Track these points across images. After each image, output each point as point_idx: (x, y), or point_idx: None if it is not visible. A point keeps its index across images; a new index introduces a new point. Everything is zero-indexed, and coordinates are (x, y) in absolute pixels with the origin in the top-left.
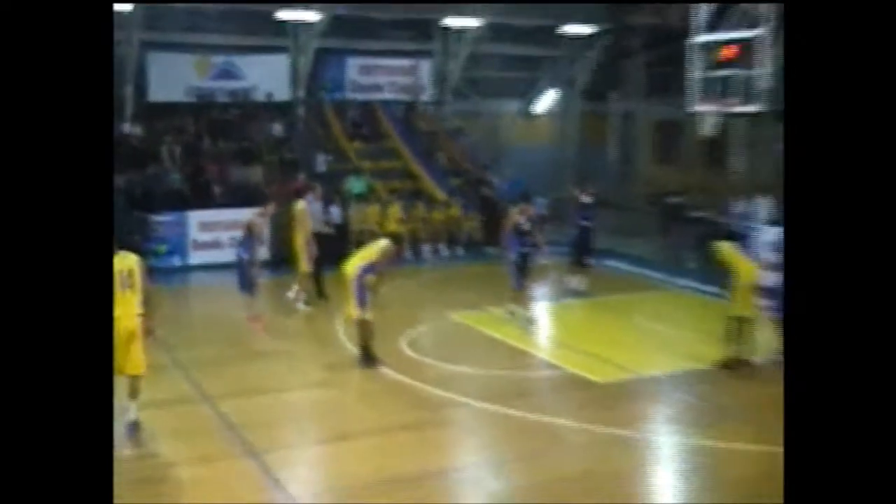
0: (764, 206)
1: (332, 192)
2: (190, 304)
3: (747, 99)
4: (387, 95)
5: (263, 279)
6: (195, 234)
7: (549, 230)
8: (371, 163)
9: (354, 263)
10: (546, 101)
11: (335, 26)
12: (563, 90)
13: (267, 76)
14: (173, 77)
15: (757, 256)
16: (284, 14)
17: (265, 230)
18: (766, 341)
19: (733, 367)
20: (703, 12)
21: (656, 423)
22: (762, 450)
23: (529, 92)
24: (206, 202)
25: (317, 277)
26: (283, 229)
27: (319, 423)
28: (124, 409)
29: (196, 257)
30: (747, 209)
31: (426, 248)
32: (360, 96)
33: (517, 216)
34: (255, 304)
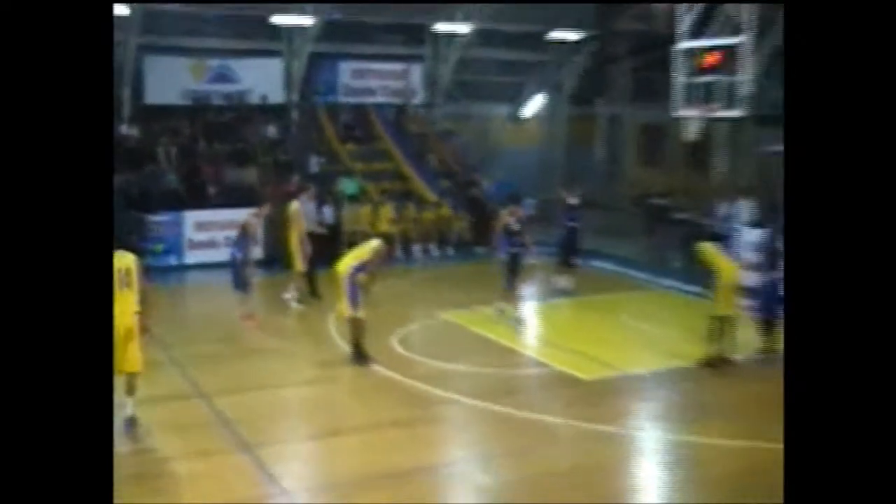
0: (746, 208)
1: (325, 193)
2: (186, 302)
3: (730, 104)
4: (379, 99)
5: (257, 278)
6: (191, 233)
7: (536, 231)
8: (363, 164)
9: (347, 263)
10: (534, 104)
11: (328, 31)
12: (551, 94)
13: (261, 79)
14: (169, 80)
15: (738, 257)
16: (279, 19)
17: (259, 230)
18: (747, 340)
19: (716, 365)
20: (687, 19)
21: (641, 420)
22: (744, 445)
23: (518, 96)
24: (202, 202)
25: (310, 276)
26: (276, 229)
27: (312, 418)
28: (122, 406)
29: (192, 256)
30: (730, 211)
31: (417, 248)
32: (352, 99)
33: (507, 217)
34: (249, 303)
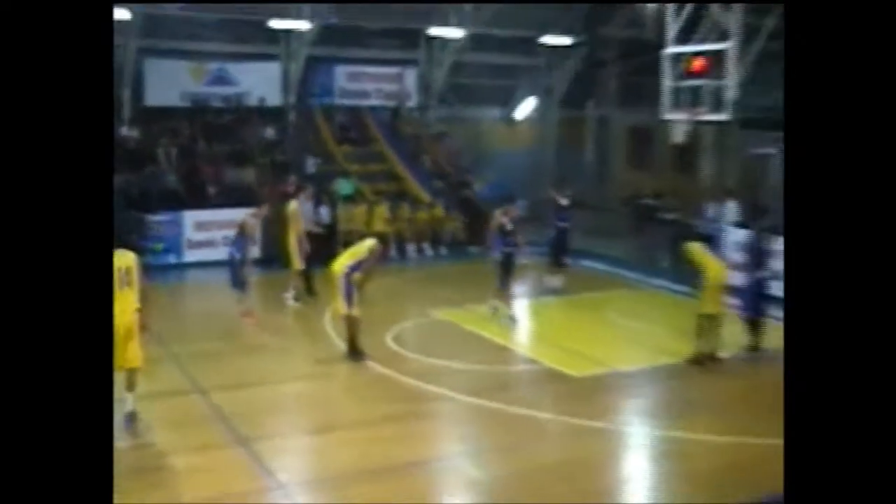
0: (732, 209)
1: (322, 193)
2: (185, 300)
3: (716, 107)
4: (374, 101)
5: (255, 277)
6: (190, 232)
7: (528, 231)
8: (358, 165)
9: (343, 262)
10: (526, 107)
11: (325, 35)
12: (542, 97)
13: (259, 82)
14: (169, 82)
15: (725, 257)
16: (276, 23)
17: (257, 230)
18: (733, 337)
19: (702, 362)
20: (674, 25)
21: (629, 415)
22: (729, 440)
23: (510, 99)
24: (201, 202)
25: (307, 275)
26: (274, 229)
27: (308, 414)
28: (122, 401)
29: (191, 255)
30: (716, 212)
31: (411, 248)
32: (348, 102)
33: (501, 217)
34: (247, 301)
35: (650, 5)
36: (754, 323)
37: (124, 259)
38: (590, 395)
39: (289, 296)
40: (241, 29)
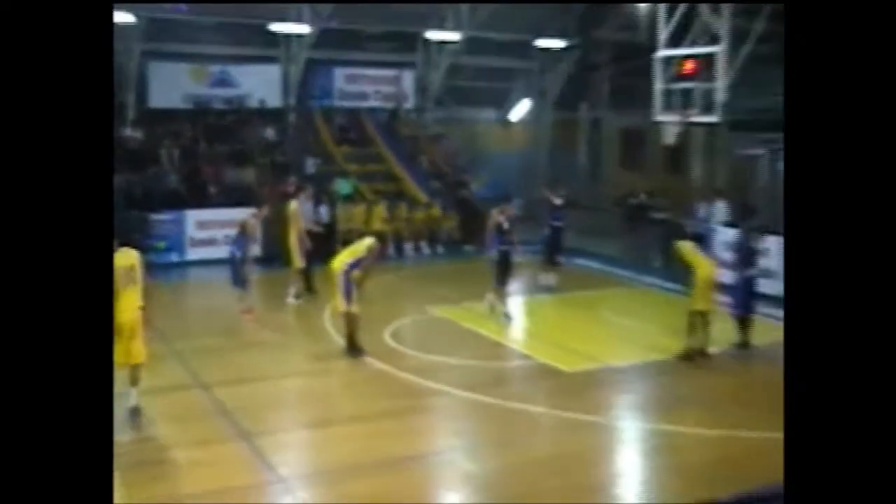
0: (721, 209)
1: (321, 193)
2: (187, 297)
3: (706, 109)
4: (372, 103)
5: (256, 275)
6: (192, 231)
7: (522, 230)
8: (357, 166)
9: (342, 260)
10: (520, 109)
11: (324, 38)
12: (537, 100)
13: (260, 84)
14: (172, 85)
15: (715, 255)
16: (277, 26)
17: (258, 230)
18: (723, 334)
19: (693, 358)
20: (666, 29)
21: (621, 410)
22: (719, 434)
23: (505, 101)
24: (203, 202)
25: (306, 273)
26: (274, 228)
27: (308, 409)
28: (126, 396)
29: (193, 254)
30: (706, 211)
31: (408, 246)
32: (346, 104)
33: (498, 216)
34: (247, 298)
35: (642, 9)
36: (744, 320)
37: (128, 258)
38: (582, 390)
39: (290, 294)
40: (242, 32)
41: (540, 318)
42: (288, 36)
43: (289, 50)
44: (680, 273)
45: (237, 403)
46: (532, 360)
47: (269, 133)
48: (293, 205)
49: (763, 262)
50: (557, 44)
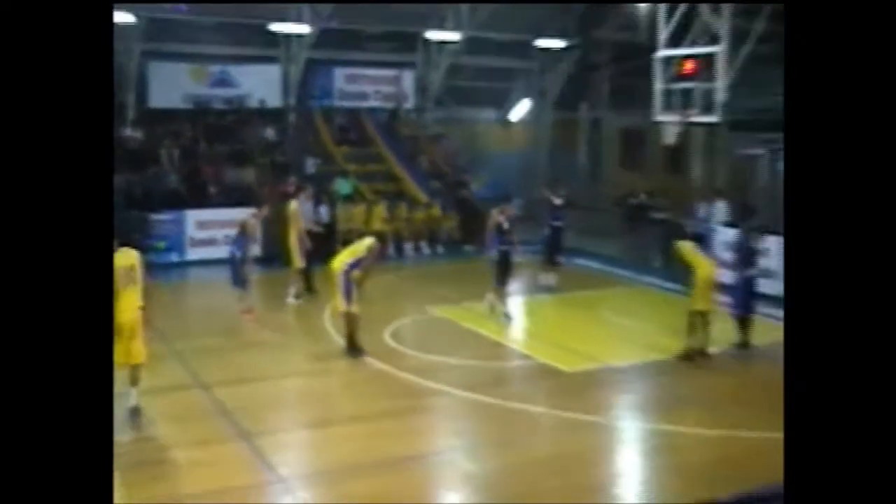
0: (721, 209)
1: (321, 193)
2: (187, 297)
3: (706, 109)
4: (372, 103)
5: (255, 275)
6: (192, 231)
7: (522, 230)
8: (357, 166)
9: (342, 260)
10: (520, 109)
11: (324, 38)
12: (536, 100)
13: (260, 84)
14: (172, 85)
15: (715, 255)
16: (276, 26)
17: (258, 230)
18: (723, 334)
19: (693, 357)
20: (666, 29)
21: (620, 410)
22: (719, 434)
23: (505, 101)
24: (203, 202)
25: (306, 273)
26: (274, 228)
27: (308, 409)
28: (126, 396)
29: (193, 253)
30: (706, 211)
31: (408, 246)
32: (346, 104)
33: (498, 216)
34: (247, 298)
35: (642, 9)
36: (744, 320)
37: (128, 258)
38: (582, 390)
39: (290, 294)
40: (242, 32)
41: (540, 318)
42: (288, 36)
43: (289, 50)
44: (680, 273)
45: (237, 403)
46: (532, 360)
47: (269, 133)
48: (293, 205)
49: (763, 262)
50: (557, 44)
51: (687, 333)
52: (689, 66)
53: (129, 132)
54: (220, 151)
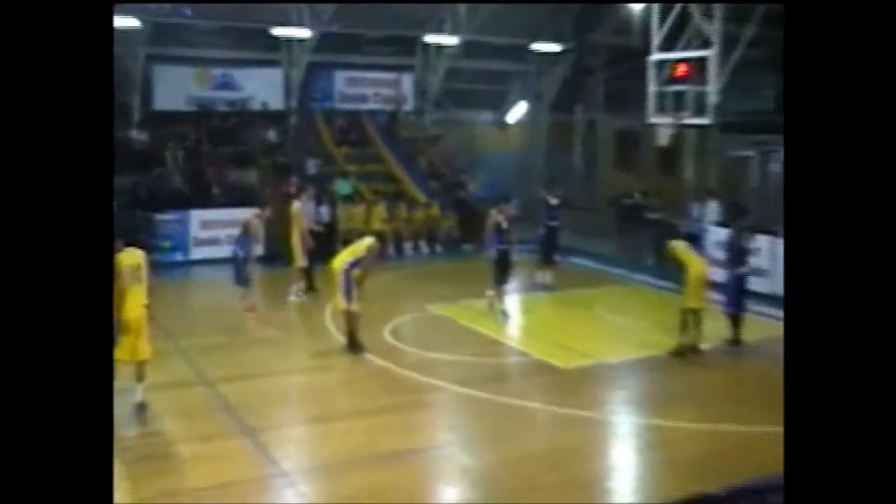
0: (713, 209)
1: (322, 193)
2: (191, 296)
3: (698, 112)
4: (372, 105)
5: (258, 274)
6: (196, 231)
7: (519, 230)
8: (357, 167)
9: (342, 259)
10: (517, 111)
11: (325, 42)
12: (533, 102)
13: (262, 87)
14: (176, 88)
15: (707, 254)
16: (278, 31)
17: (261, 230)
18: (715, 331)
19: (685, 354)
20: (659, 33)
21: (615, 405)
22: (710, 428)
23: (502, 103)
24: (206, 202)
25: (307, 272)
26: (276, 228)
27: (310, 405)
28: (132, 392)
29: (197, 253)
30: (699, 212)
31: (408, 246)
32: (347, 106)
33: (497, 216)
34: (250, 297)
35: (636, 13)
36: (735, 317)
37: (133, 257)
38: (577, 386)
39: (293, 291)
40: (245, 36)
41: (536, 316)
42: (289, 40)
43: (290, 53)
44: (673, 271)
45: (241, 399)
46: (528, 357)
47: (271, 135)
48: (296, 205)
49: (754, 261)
50: (553, 47)
51: (679, 330)
52: (681, 69)
53: (134, 134)
54: (223, 153)
